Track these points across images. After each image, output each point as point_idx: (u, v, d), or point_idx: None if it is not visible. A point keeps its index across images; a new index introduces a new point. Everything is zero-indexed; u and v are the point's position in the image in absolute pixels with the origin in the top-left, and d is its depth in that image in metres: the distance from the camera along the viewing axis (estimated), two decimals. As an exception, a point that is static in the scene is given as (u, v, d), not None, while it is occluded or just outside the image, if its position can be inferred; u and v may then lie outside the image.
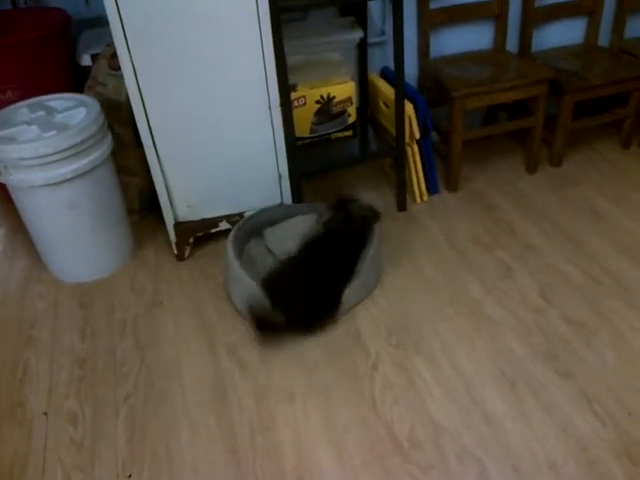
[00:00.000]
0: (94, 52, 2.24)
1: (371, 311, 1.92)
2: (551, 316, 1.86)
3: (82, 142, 1.85)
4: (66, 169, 1.86)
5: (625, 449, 1.46)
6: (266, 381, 1.71)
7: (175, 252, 2.18)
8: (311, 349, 1.80)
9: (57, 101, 2.04)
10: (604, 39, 2.75)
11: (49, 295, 2.10)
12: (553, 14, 2.64)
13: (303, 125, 2.20)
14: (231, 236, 1.97)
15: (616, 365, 1.68)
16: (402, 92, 2.12)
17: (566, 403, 1.58)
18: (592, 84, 2.40)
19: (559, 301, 1.91)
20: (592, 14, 2.65)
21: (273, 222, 2.14)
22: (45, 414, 1.67)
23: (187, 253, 2.19)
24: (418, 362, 1.73)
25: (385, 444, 1.51)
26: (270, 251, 2.05)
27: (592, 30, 2.69)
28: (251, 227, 2.10)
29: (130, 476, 1.48)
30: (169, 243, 2.17)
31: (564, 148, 2.58)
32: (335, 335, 1.84)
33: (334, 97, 2.19)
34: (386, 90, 2.28)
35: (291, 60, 1.96)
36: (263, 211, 2.13)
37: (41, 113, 1.97)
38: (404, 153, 2.27)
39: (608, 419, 1.53)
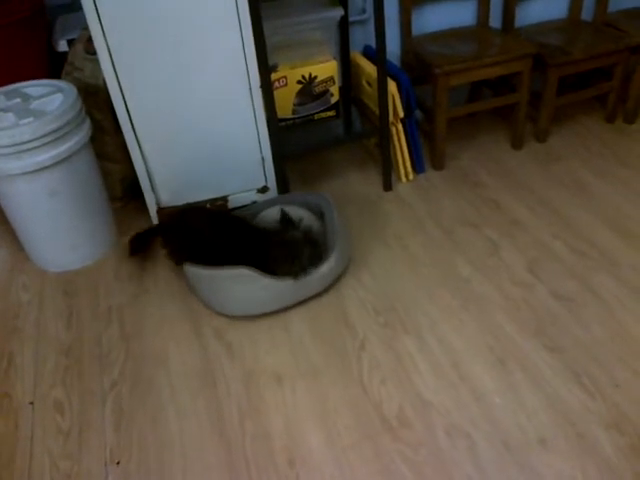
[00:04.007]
0: (70, 37, 2.19)
1: (358, 291, 1.91)
2: (539, 291, 1.85)
3: (59, 128, 1.82)
4: (44, 156, 1.82)
5: (614, 421, 1.46)
6: (254, 364, 1.70)
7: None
8: (298, 330, 1.79)
9: (33, 88, 2.00)
10: (588, 13, 2.72)
11: (33, 285, 2.07)
12: (536, -12, 2.61)
13: (285, 106, 2.17)
14: None
15: (604, 339, 1.68)
16: (384, 70, 2.10)
17: (555, 378, 1.58)
18: (576, 58, 2.38)
19: (547, 276, 1.90)
20: (575, -13, 2.63)
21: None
22: (31, 404, 1.65)
23: (172, 239, 2.17)
24: (406, 341, 1.72)
25: (374, 424, 1.51)
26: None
27: (575, 4, 2.66)
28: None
29: (118, 463, 1.47)
30: (153, 229, 2.15)
31: (549, 124, 2.57)
32: (322, 315, 1.83)
33: (316, 77, 2.16)
34: (369, 69, 2.25)
35: (271, 40, 1.93)
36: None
37: (17, 100, 1.93)
38: (388, 132, 2.25)
39: (596, 392, 1.53)
